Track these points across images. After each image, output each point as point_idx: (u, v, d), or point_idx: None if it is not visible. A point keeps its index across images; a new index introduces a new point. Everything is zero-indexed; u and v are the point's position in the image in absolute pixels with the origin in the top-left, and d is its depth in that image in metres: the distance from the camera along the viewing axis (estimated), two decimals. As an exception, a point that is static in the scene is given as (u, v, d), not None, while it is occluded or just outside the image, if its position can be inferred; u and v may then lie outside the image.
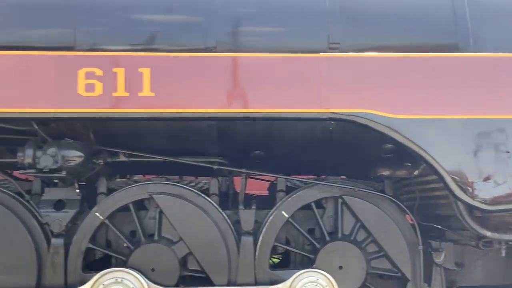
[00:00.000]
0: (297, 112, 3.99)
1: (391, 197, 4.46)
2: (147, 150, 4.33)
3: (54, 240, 4.15)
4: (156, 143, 4.39)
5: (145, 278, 4.06)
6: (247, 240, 4.28)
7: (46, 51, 3.91)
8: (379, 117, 3.96)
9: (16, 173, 4.53)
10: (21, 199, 4.26)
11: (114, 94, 3.88)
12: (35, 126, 3.98)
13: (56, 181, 4.19)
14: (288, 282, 4.17)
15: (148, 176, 4.80)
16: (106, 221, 4.25)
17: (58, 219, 4.12)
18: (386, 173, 4.78)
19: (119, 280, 4.02)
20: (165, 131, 4.32)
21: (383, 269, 4.45)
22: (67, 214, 4.15)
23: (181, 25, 4.15)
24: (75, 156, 4.04)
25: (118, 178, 4.57)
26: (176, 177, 4.79)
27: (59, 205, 4.19)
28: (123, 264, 4.22)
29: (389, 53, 4.08)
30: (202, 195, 4.36)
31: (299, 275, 4.18)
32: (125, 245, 4.32)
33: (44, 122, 4.02)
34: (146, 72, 3.90)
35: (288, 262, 4.72)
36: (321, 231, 4.45)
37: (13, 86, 3.86)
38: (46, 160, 3.96)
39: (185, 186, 4.37)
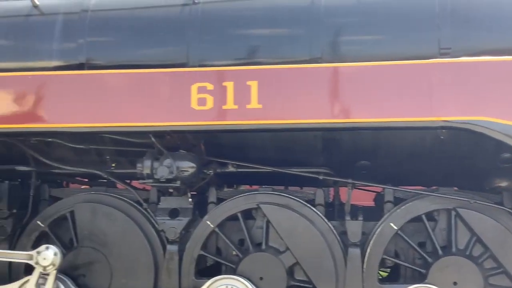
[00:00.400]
0: (406, 121, 3.87)
1: (510, 210, 4.17)
2: (254, 161, 4.43)
3: (169, 247, 4.38)
4: (263, 154, 4.48)
5: (254, 286, 4.16)
6: (355, 251, 4.22)
7: (161, 68, 4.17)
8: (497, 124, 3.73)
9: (135, 183, 4.87)
10: (139, 207, 4.58)
11: (224, 107, 4.02)
12: (152, 139, 4.23)
13: (171, 190, 4.43)
14: (399, 297, 4.07)
15: (254, 186, 4.93)
16: (216, 230, 4.41)
17: (173, 227, 4.35)
18: (504, 184, 4.46)
19: (229, 287, 4.16)
20: (272, 142, 4.41)
21: (502, 287, 4.17)
22: (181, 222, 4.37)
23: (287, 37, 4.24)
24: (188, 166, 4.24)
25: (226, 188, 4.71)
26: (281, 187, 4.84)
27: (173, 213, 4.43)
28: (233, 271, 4.35)
29: (506, 57, 3.85)
30: (308, 205, 4.38)
31: (411, 289, 4.05)
32: (234, 253, 4.46)
33: (160, 134, 4.27)
34: (253, 85, 4.00)
35: (397, 276, 4.58)
36: (433, 244, 4.28)
37: (132, 102, 4.14)
38: (162, 170, 4.19)
39: (291, 196, 4.42)
